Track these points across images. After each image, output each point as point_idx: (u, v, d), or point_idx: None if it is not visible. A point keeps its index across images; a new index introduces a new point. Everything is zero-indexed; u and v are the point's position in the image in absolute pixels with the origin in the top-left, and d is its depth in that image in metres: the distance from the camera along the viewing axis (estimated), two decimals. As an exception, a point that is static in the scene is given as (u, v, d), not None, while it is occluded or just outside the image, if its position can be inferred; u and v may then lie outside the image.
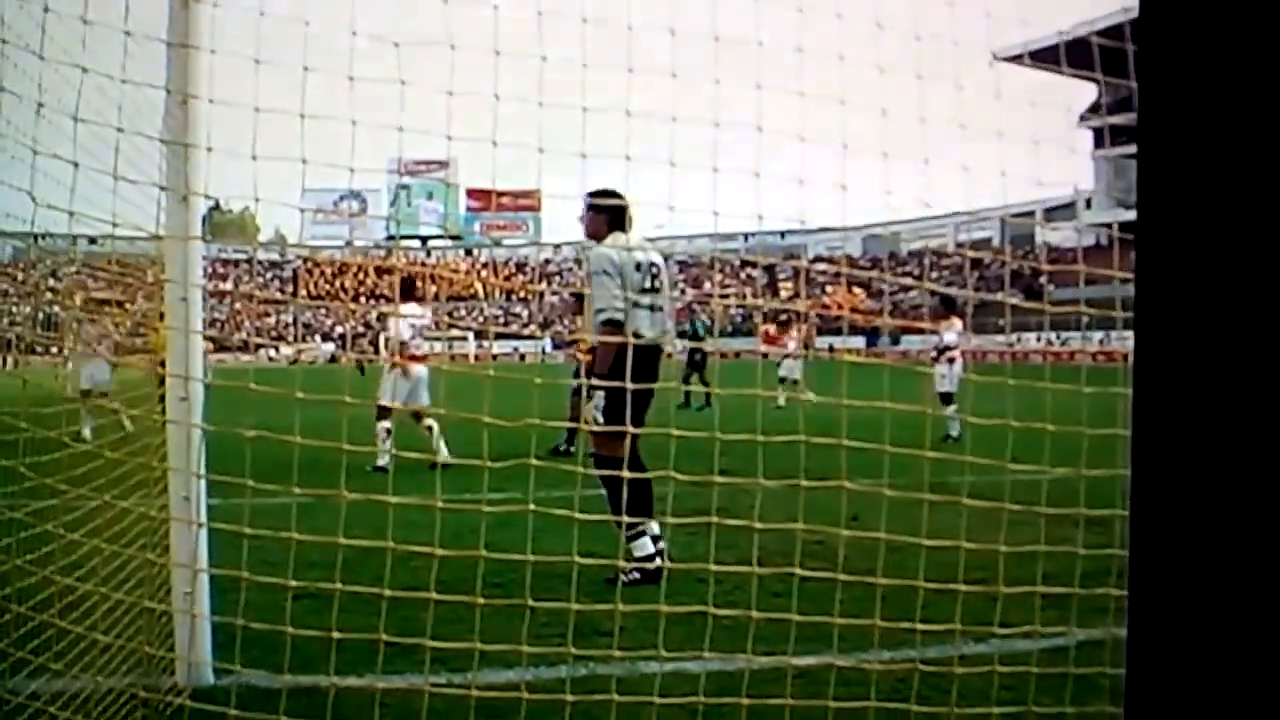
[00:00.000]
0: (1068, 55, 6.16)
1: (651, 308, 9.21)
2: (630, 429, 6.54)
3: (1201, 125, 1.51)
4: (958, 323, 22.14)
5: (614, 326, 8.75)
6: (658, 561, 8.54)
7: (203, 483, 5.82)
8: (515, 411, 5.82)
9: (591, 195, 9.41)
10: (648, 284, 9.23)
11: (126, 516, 5.76)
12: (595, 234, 9.44)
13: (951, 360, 21.50)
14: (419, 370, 16.62)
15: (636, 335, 8.32)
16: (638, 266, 9.16)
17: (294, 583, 5.35)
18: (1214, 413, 1.51)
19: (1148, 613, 1.59)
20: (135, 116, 5.38)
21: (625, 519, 7.47)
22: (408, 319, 17.09)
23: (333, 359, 65.49)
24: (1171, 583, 1.55)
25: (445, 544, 5.44)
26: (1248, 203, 1.48)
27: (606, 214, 9.33)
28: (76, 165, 5.03)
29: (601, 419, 8.47)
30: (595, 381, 8.38)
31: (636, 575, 8.19)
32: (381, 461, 14.11)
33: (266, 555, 5.77)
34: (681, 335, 30.65)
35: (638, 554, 8.65)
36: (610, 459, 8.10)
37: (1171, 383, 1.55)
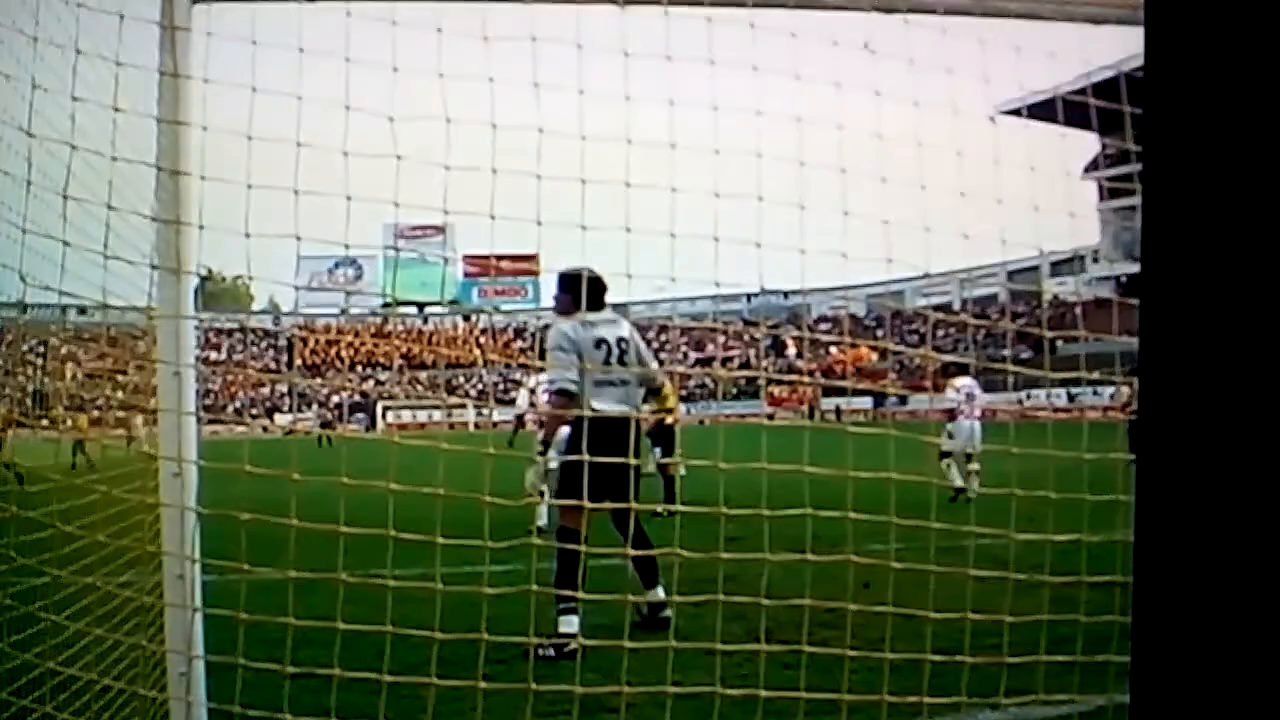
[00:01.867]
0: (1067, 111, 6.14)
1: (615, 383, 9.30)
2: (585, 503, 6.59)
3: (1205, 171, 1.51)
4: (959, 381, 22.36)
5: (564, 396, 8.89)
6: (574, 645, 8.02)
7: (197, 565, 5.74)
8: (516, 484, 5.76)
9: (560, 276, 9.78)
10: (612, 360, 9.38)
11: (117, 597, 5.67)
12: (564, 312, 9.62)
13: (953, 418, 21.83)
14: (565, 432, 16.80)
15: (594, 410, 8.39)
16: (598, 344, 9.37)
17: (291, 669, 5.26)
18: (1218, 465, 1.50)
19: (1150, 675, 1.57)
20: (126, 191, 5.34)
21: (564, 591, 7.61)
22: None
23: (326, 438, 65.32)
24: (1174, 639, 1.55)
25: (445, 621, 5.36)
26: (1251, 250, 1.47)
27: (571, 294, 9.48)
28: (67, 244, 4.98)
29: (554, 489, 8.53)
30: (558, 455, 8.52)
31: (551, 652, 7.96)
32: (541, 522, 15.16)
33: (263, 633, 5.66)
34: None
35: (561, 629, 8.53)
36: (569, 531, 8.14)
37: (1175, 431, 1.54)
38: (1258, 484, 1.46)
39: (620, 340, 9.43)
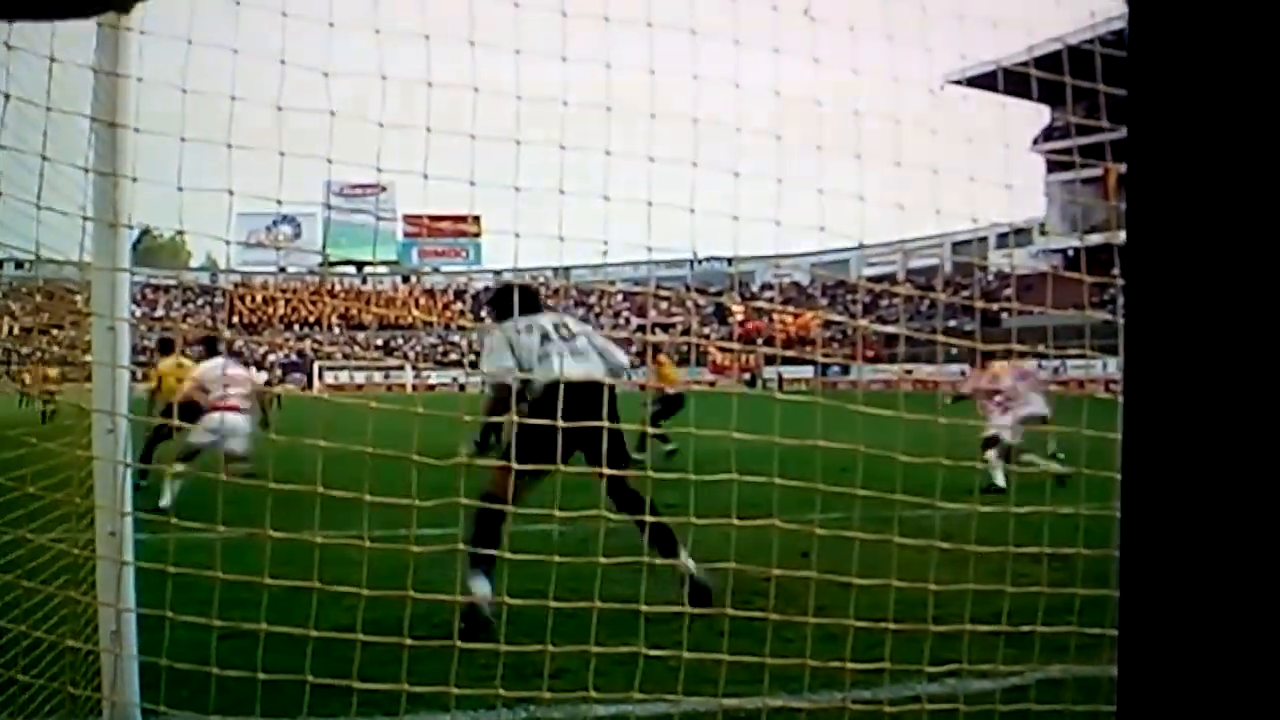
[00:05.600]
0: (1010, 82, 6.16)
1: (564, 354, 9.22)
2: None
3: (1194, 138, 1.48)
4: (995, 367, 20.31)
5: (499, 390, 9.13)
6: (488, 607, 8.12)
7: (129, 519, 5.71)
8: (447, 445, 5.75)
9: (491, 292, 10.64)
10: (551, 337, 9.36)
11: (47, 551, 5.64)
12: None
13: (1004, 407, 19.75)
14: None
15: (555, 382, 8.32)
16: (529, 329, 9.35)
17: (219, 622, 5.25)
18: (1207, 435, 1.47)
19: (1139, 646, 1.55)
20: (61, 143, 5.28)
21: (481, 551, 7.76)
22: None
23: (275, 399, 64.32)
24: (1163, 615, 1.52)
25: (375, 583, 5.36)
26: (1241, 218, 1.44)
27: (494, 308, 10.12)
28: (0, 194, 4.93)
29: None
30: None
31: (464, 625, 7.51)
32: None
33: (193, 593, 5.65)
34: None
35: (475, 590, 8.26)
36: (494, 496, 7.89)
37: (1162, 406, 1.51)
38: (1247, 480, 1.45)
39: (556, 325, 9.45)
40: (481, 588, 8.28)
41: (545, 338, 9.27)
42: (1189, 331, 1.48)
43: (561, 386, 7.43)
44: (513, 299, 9.50)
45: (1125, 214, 1.55)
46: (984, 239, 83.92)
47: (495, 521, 7.76)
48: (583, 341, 9.53)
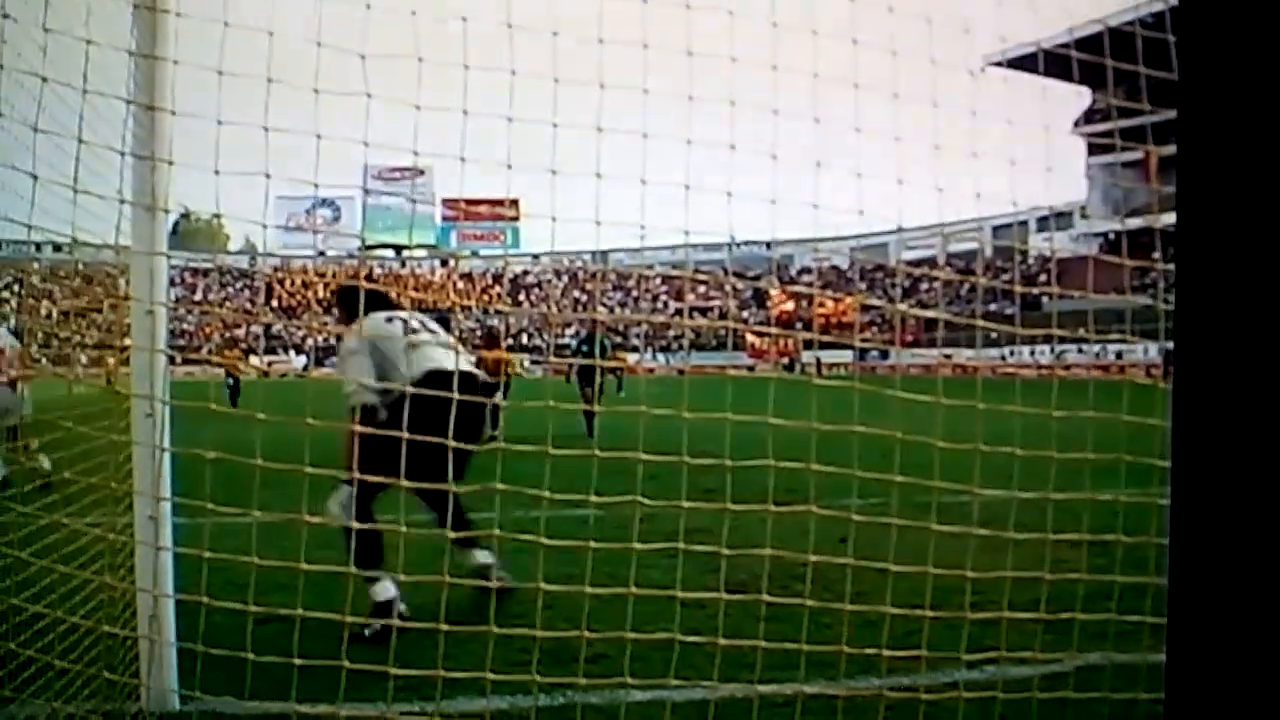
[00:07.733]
0: (1050, 64, 6.11)
1: (433, 345, 8.33)
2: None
3: (1244, 123, 1.46)
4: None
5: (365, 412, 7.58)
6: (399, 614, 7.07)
7: (168, 504, 5.72)
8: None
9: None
10: (416, 328, 8.46)
11: (84, 536, 5.65)
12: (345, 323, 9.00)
13: None
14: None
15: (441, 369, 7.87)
16: (388, 320, 8.50)
17: (256, 607, 5.25)
18: (1257, 428, 1.45)
19: (1187, 637, 1.53)
20: (98, 126, 5.27)
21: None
22: None
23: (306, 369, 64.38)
24: (1211, 604, 1.49)
25: (412, 568, 5.35)
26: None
27: (344, 307, 9.30)
28: (36, 178, 4.92)
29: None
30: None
31: (378, 626, 6.96)
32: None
33: (230, 577, 5.66)
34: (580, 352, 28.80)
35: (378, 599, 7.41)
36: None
37: (1212, 397, 1.49)
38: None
39: (421, 321, 8.61)
40: (387, 590, 7.37)
41: (410, 329, 8.40)
42: (1240, 320, 1.44)
43: (438, 377, 7.05)
44: (358, 298, 8.56)
45: (1176, 200, 1.52)
46: (1024, 222, 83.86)
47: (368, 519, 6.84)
48: (445, 337, 8.68)
